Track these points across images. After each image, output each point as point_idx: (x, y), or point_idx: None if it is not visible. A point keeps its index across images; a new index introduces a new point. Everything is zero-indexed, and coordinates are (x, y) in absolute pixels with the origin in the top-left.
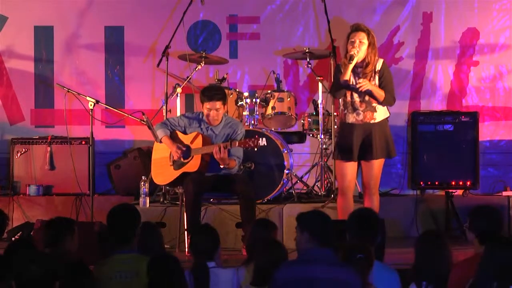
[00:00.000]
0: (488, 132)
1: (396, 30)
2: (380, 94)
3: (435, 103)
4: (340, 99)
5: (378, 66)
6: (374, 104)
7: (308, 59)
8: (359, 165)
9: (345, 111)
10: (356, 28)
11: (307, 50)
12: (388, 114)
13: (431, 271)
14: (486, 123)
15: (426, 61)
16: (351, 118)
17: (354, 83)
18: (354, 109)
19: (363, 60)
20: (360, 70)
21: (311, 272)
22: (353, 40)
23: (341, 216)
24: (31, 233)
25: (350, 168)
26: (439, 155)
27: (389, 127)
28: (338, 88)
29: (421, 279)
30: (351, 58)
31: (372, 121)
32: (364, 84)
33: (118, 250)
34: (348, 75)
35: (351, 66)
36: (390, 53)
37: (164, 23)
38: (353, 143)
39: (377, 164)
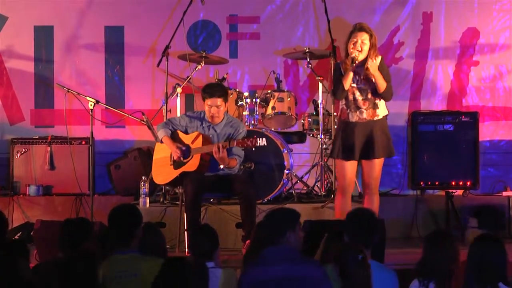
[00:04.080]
0: (488, 132)
1: (396, 30)
2: (382, 83)
3: (435, 103)
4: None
5: (377, 62)
6: (376, 101)
7: (308, 59)
8: (359, 165)
9: (348, 110)
10: (360, 28)
11: (307, 50)
12: (387, 112)
13: (435, 269)
14: (486, 123)
15: (426, 61)
16: (355, 117)
17: (356, 82)
18: (357, 108)
19: (365, 61)
20: (360, 69)
21: (273, 273)
22: (355, 40)
23: (339, 216)
24: (31, 233)
25: (351, 167)
26: (439, 155)
27: (388, 126)
28: (341, 90)
29: (425, 276)
30: (353, 60)
31: (375, 118)
32: (373, 64)
33: (118, 250)
34: (349, 82)
35: (350, 69)
36: (390, 53)
37: (164, 23)
38: (355, 142)
39: (378, 163)
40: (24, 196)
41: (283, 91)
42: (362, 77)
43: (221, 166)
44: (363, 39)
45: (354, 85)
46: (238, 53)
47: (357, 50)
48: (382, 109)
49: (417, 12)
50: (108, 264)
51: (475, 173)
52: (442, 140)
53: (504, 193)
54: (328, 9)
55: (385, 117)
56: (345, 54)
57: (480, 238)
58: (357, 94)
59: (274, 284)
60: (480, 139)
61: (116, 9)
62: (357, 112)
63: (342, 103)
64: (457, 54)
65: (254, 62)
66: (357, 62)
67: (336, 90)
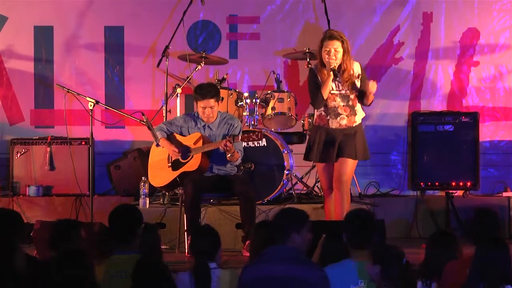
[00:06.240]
0: (488, 132)
1: (396, 30)
2: (371, 97)
3: (435, 104)
4: None
5: (358, 70)
6: (355, 108)
7: (308, 60)
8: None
9: (328, 117)
10: (330, 37)
11: (307, 51)
12: (364, 114)
13: (439, 270)
14: (486, 124)
15: (426, 61)
16: (335, 124)
17: (334, 89)
18: (338, 115)
19: (339, 67)
20: (339, 75)
21: (271, 271)
22: (328, 49)
23: (328, 218)
24: (31, 234)
25: (330, 168)
26: (439, 155)
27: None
28: (320, 100)
29: (428, 276)
30: (335, 71)
31: (354, 125)
32: (373, 85)
33: (118, 251)
34: (327, 92)
35: (331, 79)
36: (390, 53)
37: (164, 23)
38: (335, 145)
39: (352, 164)
40: (24, 197)
41: (283, 91)
42: (342, 83)
43: (228, 155)
44: (336, 47)
45: (336, 92)
46: (238, 53)
47: (332, 59)
48: (360, 114)
49: (417, 12)
50: (108, 264)
51: (475, 173)
52: (442, 141)
53: (504, 194)
54: (328, 9)
55: (362, 120)
56: (320, 63)
57: (487, 239)
58: (338, 100)
59: (272, 282)
60: (480, 139)
61: (116, 9)
62: (337, 118)
63: (320, 109)
64: (457, 54)
65: (254, 62)
66: (335, 71)
67: (315, 99)
